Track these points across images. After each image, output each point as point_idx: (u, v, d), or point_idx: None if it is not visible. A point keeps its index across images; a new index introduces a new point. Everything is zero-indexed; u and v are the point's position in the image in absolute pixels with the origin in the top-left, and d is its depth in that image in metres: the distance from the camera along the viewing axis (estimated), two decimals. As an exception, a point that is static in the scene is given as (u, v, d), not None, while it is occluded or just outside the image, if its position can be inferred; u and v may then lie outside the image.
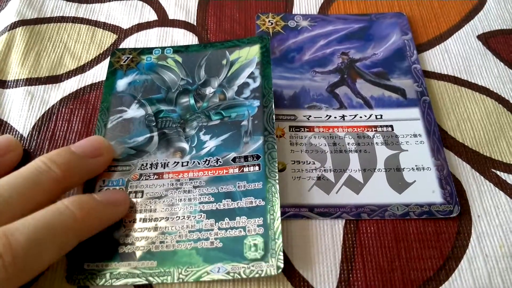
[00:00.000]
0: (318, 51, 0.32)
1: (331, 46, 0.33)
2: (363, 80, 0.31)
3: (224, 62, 0.30)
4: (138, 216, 0.24)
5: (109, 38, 0.33)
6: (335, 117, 0.29)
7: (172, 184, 0.25)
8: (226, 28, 0.34)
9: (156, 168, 0.26)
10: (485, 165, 0.27)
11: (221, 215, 0.24)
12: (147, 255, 0.23)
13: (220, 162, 0.26)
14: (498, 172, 0.27)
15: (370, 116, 0.29)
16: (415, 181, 0.26)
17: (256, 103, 0.28)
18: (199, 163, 0.26)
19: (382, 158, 0.27)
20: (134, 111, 0.28)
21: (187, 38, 0.33)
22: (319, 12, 0.35)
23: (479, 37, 0.34)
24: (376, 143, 0.28)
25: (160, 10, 0.35)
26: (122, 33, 0.33)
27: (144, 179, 0.25)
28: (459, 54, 0.33)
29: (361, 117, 0.29)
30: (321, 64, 0.32)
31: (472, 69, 0.32)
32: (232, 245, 0.23)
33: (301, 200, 0.26)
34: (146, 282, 0.22)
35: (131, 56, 0.31)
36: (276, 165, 0.25)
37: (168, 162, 0.26)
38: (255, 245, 0.23)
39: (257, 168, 0.25)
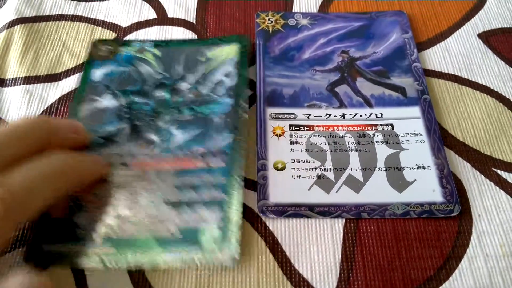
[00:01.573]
0: (318, 49, 0.32)
1: (331, 44, 0.32)
2: (363, 79, 0.31)
3: (202, 59, 0.30)
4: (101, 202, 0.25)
5: (108, 36, 0.33)
6: (335, 116, 0.29)
7: (138, 175, 0.26)
8: (226, 26, 0.34)
9: (124, 158, 0.26)
10: (485, 164, 0.27)
11: (183, 206, 0.24)
12: (107, 242, 0.23)
13: (189, 156, 0.26)
14: (498, 171, 0.27)
15: (370, 114, 0.29)
16: (415, 180, 0.26)
17: (230, 101, 0.28)
18: (167, 156, 0.26)
19: (382, 157, 0.27)
20: (108, 101, 0.28)
21: (187, 37, 0.33)
22: (319, 10, 0.35)
23: (480, 35, 0.34)
24: (376, 142, 0.28)
25: (159, 8, 0.35)
26: (121, 32, 0.33)
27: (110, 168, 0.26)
28: (459, 52, 0.33)
29: (361, 115, 0.29)
30: (321, 63, 0.31)
31: (472, 68, 0.32)
32: (191, 235, 0.23)
33: (301, 199, 0.25)
34: (102, 266, 0.23)
35: (111, 48, 0.31)
36: (243, 162, 0.26)
37: (136, 153, 0.26)
38: (213, 236, 0.23)
39: (223, 164, 0.26)
